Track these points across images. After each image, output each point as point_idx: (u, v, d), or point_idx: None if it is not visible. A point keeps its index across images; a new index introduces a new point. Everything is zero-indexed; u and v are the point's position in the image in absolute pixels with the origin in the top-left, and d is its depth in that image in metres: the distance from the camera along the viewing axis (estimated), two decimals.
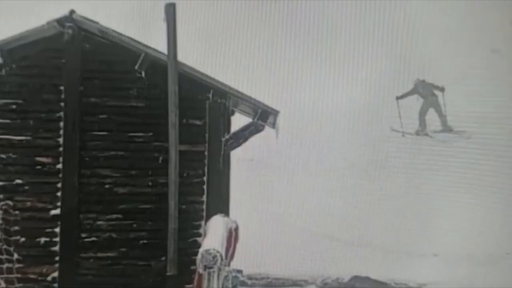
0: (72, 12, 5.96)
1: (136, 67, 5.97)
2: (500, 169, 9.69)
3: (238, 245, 5.90)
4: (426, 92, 11.48)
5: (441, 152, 10.27)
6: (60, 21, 5.93)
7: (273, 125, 6.34)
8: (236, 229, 5.91)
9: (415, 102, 11.42)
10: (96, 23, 6.03)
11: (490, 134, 10.11)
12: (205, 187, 6.08)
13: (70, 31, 5.91)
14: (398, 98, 11.48)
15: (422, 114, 11.51)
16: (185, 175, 5.98)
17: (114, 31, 6.02)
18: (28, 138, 5.92)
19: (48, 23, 5.94)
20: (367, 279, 7.95)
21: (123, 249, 5.96)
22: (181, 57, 5.94)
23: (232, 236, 5.72)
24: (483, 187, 9.40)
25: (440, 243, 8.40)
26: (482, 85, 10.94)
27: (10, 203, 5.87)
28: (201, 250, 5.09)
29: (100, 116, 5.97)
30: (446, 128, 11.36)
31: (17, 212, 5.87)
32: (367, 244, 8.41)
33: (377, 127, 10.87)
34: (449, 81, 11.29)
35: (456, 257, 8.18)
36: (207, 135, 6.09)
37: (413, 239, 8.41)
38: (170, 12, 5.77)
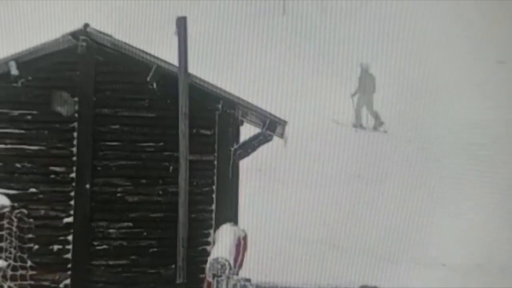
0: (86, 25, 6.13)
1: (148, 78, 6.10)
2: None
3: (247, 254, 5.96)
4: (369, 87, 11.43)
5: (450, 160, 10.28)
6: (74, 34, 6.09)
7: (282, 135, 6.43)
8: (245, 238, 5.98)
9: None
10: (109, 36, 6.19)
11: (505, 142, 10.11)
12: (214, 196, 6.17)
13: (84, 44, 6.06)
14: (352, 95, 11.48)
15: (362, 107, 11.48)
16: (194, 184, 6.09)
17: (127, 44, 6.16)
18: (43, 147, 6.07)
19: (62, 36, 6.10)
20: None
21: (134, 257, 6.06)
22: (192, 68, 6.07)
23: (240, 245, 5.78)
24: (493, 195, 9.39)
25: (448, 253, 8.40)
26: (488, 96, 10.97)
27: (25, 211, 5.99)
28: (210, 259, 5.16)
29: (113, 127, 6.11)
30: (377, 127, 11.37)
31: (31, 220, 6.00)
32: (375, 254, 8.42)
33: (382, 137, 10.93)
34: (455, 92, 11.32)
35: (464, 267, 8.17)
36: (216, 145, 6.19)
37: (421, 248, 8.42)
38: (181, 26, 5.91)
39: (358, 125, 11.46)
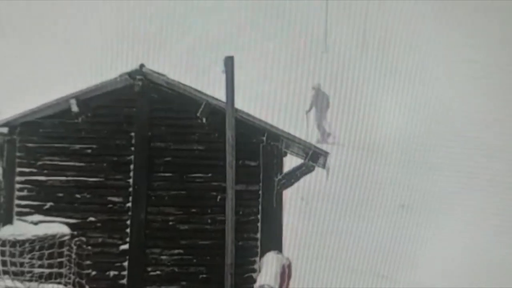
0: (141, 66, 6.59)
1: (198, 114, 6.48)
2: None
3: (291, 281, 6.12)
4: (322, 102, 11.81)
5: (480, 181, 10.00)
6: (131, 74, 6.55)
7: (323, 166, 6.63)
8: (289, 265, 6.14)
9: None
10: (163, 75, 6.62)
11: None
12: (259, 224, 6.43)
13: (140, 83, 6.51)
14: (307, 112, 11.75)
15: (320, 123, 11.79)
16: (240, 213, 6.36)
17: (179, 82, 6.58)
18: (101, 179, 6.49)
19: (120, 75, 6.56)
20: None
21: (184, 283, 6.34)
22: (238, 104, 6.41)
23: (285, 273, 5.95)
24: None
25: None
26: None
27: (83, 239, 6.38)
28: (256, 286, 5.37)
29: (166, 159, 6.49)
30: (322, 140, 11.58)
31: (89, 247, 6.38)
32: (417, 285, 8.33)
33: (418, 163, 10.85)
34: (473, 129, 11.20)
35: None
36: (261, 175, 6.48)
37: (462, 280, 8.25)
38: (229, 64, 6.28)
39: (323, 140, 11.82)
